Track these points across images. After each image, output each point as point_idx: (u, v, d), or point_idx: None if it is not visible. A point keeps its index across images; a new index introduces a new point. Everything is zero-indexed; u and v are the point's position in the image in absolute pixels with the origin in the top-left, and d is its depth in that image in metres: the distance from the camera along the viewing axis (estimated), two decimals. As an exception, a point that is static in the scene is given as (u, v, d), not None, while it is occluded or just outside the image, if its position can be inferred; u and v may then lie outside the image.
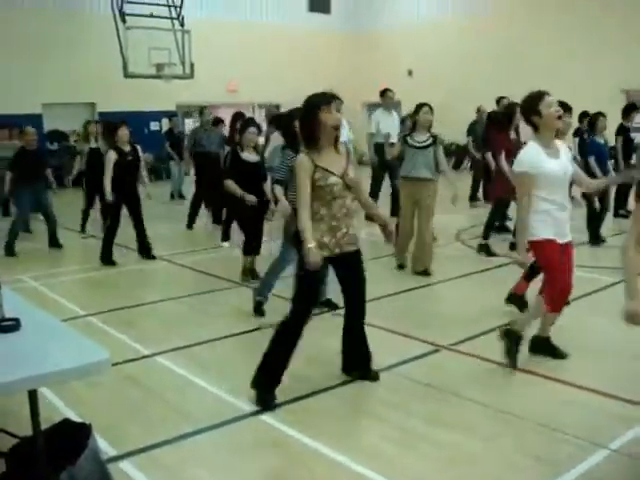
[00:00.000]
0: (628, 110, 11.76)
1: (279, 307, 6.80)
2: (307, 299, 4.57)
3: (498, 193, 8.92)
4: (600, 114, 9.84)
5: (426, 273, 7.93)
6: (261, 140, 12.03)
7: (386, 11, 24.98)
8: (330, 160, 4.48)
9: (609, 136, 11.39)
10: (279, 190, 6.36)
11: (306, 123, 4.50)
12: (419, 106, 7.98)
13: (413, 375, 4.98)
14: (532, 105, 4.87)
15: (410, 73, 23.96)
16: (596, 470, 3.66)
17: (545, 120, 4.82)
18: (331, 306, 6.51)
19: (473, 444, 3.97)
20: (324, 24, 25.05)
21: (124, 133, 8.96)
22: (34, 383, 2.83)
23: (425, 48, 23.19)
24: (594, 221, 9.57)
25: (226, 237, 10.06)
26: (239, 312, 6.81)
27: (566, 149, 5.07)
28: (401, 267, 8.28)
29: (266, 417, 4.35)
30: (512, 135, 9.00)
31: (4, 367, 2.82)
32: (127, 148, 9.00)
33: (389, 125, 11.27)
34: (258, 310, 6.56)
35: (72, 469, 2.99)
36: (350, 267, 4.69)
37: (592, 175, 8.65)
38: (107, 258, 9.03)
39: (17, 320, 3.23)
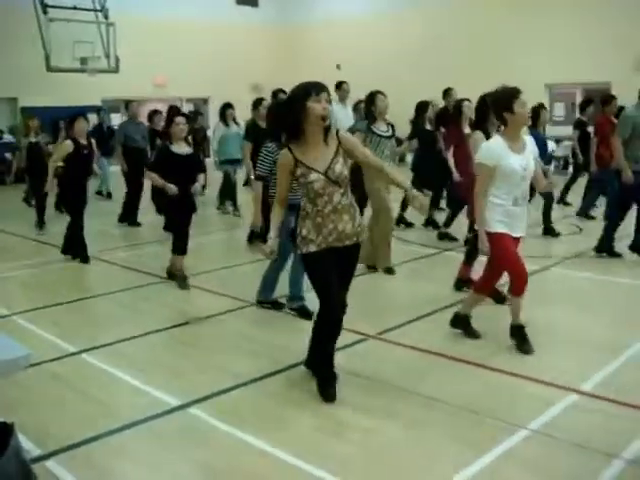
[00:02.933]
0: (585, 104, 12.04)
1: (209, 302, 6.89)
2: (317, 284, 4.43)
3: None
4: (542, 106, 9.80)
5: (390, 271, 7.81)
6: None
7: (315, 5, 25.07)
8: (315, 155, 4.26)
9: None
10: (258, 186, 6.21)
11: (291, 112, 4.21)
12: (374, 94, 7.84)
13: (341, 364, 5.05)
14: (506, 102, 4.97)
15: (339, 67, 24.08)
16: (516, 450, 3.79)
17: (516, 118, 4.96)
18: (276, 306, 6.49)
19: (400, 431, 4.07)
20: (252, 18, 24.98)
21: (81, 126, 8.69)
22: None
23: (354, 43, 23.34)
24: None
25: None
26: (167, 307, 6.79)
27: (532, 144, 5.23)
28: (390, 271, 7.82)
29: (193, 410, 4.36)
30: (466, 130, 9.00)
31: None
32: (83, 141, 8.73)
33: (346, 119, 10.48)
34: (276, 306, 6.48)
35: (-7, 469, 2.94)
36: (342, 260, 4.47)
37: None
38: (81, 254, 8.83)
39: None
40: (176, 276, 7.53)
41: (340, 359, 5.12)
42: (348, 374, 4.85)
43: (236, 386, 4.70)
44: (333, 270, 4.39)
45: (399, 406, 4.38)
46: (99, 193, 15.37)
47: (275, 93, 9.67)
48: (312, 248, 4.35)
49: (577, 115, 12.40)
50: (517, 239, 5.20)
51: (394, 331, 5.78)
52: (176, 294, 7.24)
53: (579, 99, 18.59)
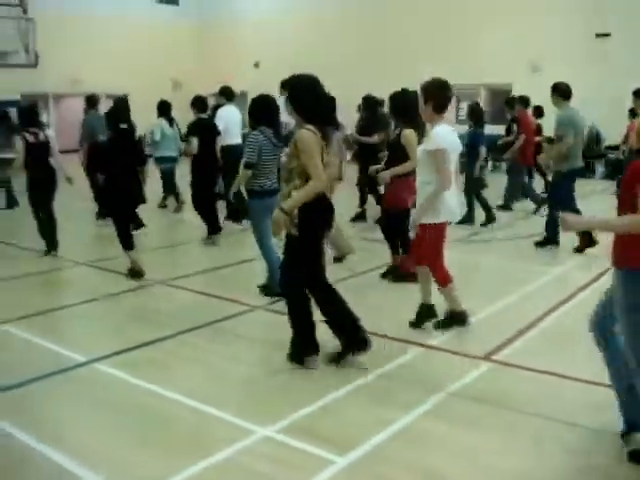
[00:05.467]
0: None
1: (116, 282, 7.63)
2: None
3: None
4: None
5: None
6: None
7: (233, 3, 25.69)
8: None
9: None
10: None
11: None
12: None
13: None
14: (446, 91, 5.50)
15: (257, 65, 24.78)
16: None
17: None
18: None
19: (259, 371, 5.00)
20: (172, 15, 25.48)
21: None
22: None
23: (272, 40, 24.04)
24: None
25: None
26: (73, 286, 7.69)
27: None
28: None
29: (98, 365, 5.17)
30: None
31: None
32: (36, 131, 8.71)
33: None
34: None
35: None
36: None
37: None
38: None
39: None
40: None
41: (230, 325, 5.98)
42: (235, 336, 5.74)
43: (134, 347, 5.53)
44: None
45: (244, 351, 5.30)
46: None
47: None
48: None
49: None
50: None
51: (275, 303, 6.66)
52: (86, 276, 8.01)
53: (483, 99, 19.88)
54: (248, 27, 24.94)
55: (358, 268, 7.89)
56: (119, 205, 7.67)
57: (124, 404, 4.54)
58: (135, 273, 7.59)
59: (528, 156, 11.57)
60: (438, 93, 5.43)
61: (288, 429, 4.12)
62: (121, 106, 8.05)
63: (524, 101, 12.21)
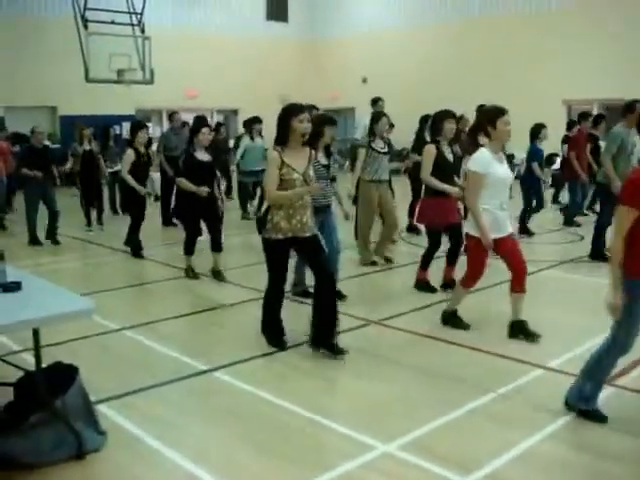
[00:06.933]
0: (597, 120, 12.64)
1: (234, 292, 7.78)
2: (276, 266, 5.67)
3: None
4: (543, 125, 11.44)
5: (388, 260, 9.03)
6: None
7: (342, 19, 25.96)
8: (295, 159, 5.44)
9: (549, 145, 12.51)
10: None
11: (281, 126, 5.44)
12: (380, 115, 8.90)
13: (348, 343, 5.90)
14: (492, 118, 5.76)
15: (365, 80, 24.92)
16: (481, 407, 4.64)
17: (498, 134, 5.75)
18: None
19: (384, 389, 4.95)
20: (281, 32, 25.96)
21: (143, 135, 9.60)
22: (36, 323, 3.71)
23: (380, 56, 24.16)
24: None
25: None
26: (198, 296, 7.75)
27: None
28: (374, 263, 8.89)
29: (218, 374, 5.26)
30: None
31: (10, 313, 3.65)
32: (143, 149, 9.63)
33: None
34: (304, 295, 7.19)
35: (64, 398, 3.85)
36: (310, 249, 5.64)
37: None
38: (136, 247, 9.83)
39: (19, 283, 4.05)
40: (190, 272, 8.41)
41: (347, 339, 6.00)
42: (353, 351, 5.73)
43: (253, 357, 5.62)
44: (288, 258, 5.71)
45: (389, 373, 5.28)
46: None
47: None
48: (280, 236, 5.49)
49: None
50: (508, 237, 5.90)
51: (393, 318, 6.64)
52: (206, 286, 8.19)
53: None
54: (356, 43, 25.12)
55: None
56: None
57: (243, 413, 4.60)
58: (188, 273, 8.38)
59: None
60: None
61: (408, 446, 4.07)
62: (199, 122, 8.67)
63: (580, 117, 12.45)
